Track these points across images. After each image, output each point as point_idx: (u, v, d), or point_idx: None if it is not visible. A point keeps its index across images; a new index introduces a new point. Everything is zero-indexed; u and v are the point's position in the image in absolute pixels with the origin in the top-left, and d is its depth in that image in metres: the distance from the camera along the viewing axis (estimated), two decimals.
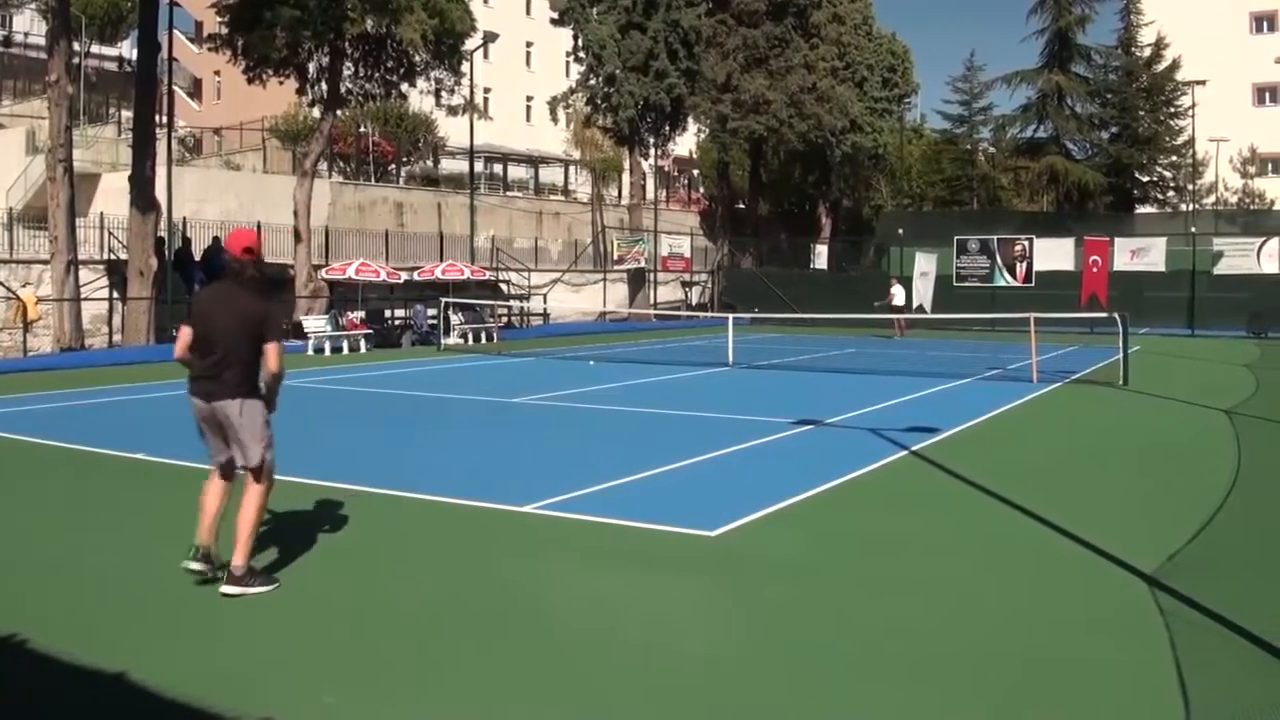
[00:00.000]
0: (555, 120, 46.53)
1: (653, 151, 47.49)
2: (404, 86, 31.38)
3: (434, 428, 13.32)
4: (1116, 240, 37.00)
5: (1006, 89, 55.21)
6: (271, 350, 6.24)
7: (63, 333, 24.50)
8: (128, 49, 55.02)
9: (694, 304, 46.76)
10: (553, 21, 45.20)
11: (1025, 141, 54.97)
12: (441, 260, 34.47)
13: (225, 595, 6.05)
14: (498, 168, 53.56)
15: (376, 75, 30.59)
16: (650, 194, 49.34)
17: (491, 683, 4.89)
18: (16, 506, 8.63)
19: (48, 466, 10.45)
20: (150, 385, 17.93)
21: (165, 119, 31.77)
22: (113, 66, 57.17)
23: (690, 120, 48.13)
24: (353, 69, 30.18)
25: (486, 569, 6.80)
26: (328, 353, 25.26)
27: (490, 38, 37.70)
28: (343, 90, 29.88)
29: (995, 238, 38.50)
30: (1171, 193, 54.71)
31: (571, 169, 55.88)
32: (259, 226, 31.83)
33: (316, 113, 32.03)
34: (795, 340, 30.30)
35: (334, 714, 4.54)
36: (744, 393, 17.65)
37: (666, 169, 60.91)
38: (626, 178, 51.08)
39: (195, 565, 6.26)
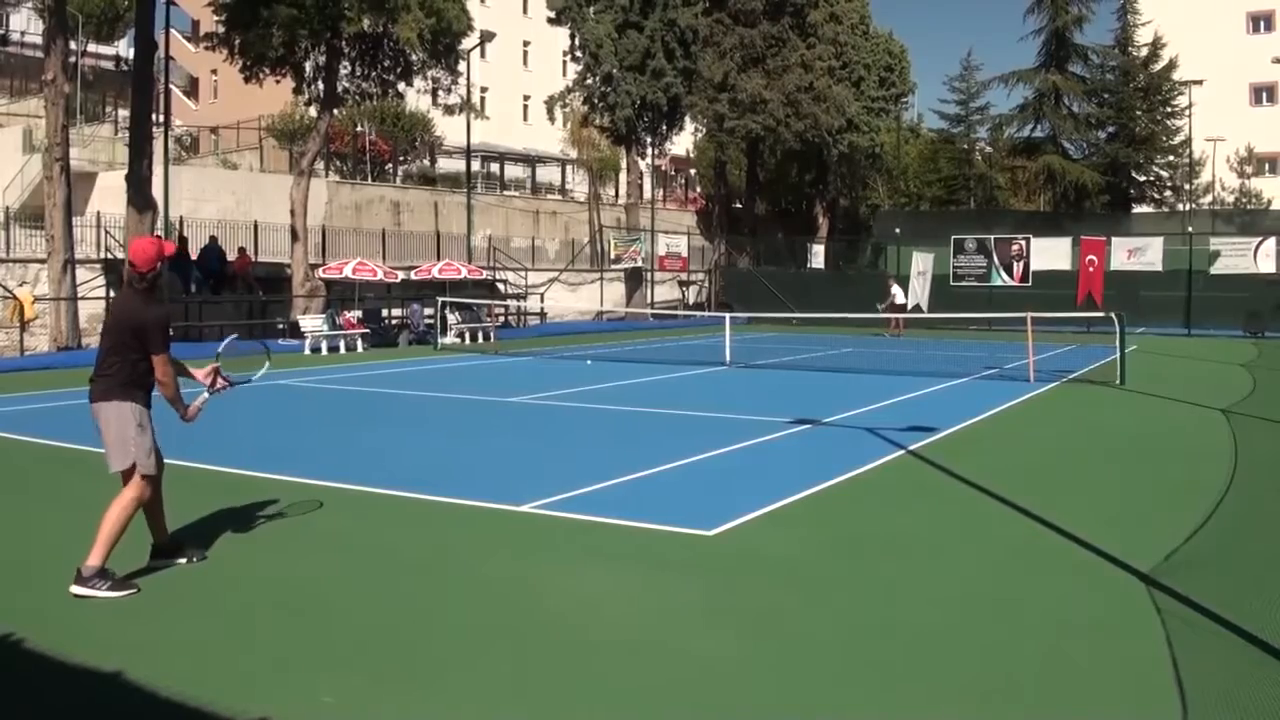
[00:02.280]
0: (552, 119, 46.52)
1: (650, 151, 47.47)
2: (401, 85, 31.36)
3: (431, 427, 13.31)
4: (1114, 240, 37.05)
5: (1003, 88, 55.41)
6: (155, 362, 6.28)
7: (59, 332, 24.47)
8: (124, 48, 55.00)
9: (691, 303, 46.76)
10: (550, 21, 45.17)
11: (1022, 141, 55.05)
12: (438, 259, 34.45)
13: (74, 595, 5.95)
14: (494, 167, 53.52)
15: (373, 74, 30.56)
16: (647, 193, 49.37)
17: (488, 682, 4.89)
18: (12, 505, 8.62)
19: (44, 465, 10.43)
20: None
21: (162, 118, 31.76)
22: (109, 65, 57.15)
23: (687, 119, 48.09)
24: (350, 68, 30.15)
25: (483, 568, 6.80)
26: (324, 352, 25.23)
27: (487, 37, 37.71)
28: (340, 89, 29.85)
29: (992, 237, 38.53)
30: (1168, 192, 54.79)
31: (568, 168, 55.85)
32: (255, 226, 31.99)
33: (313, 112, 32.02)
34: (792, 339, 30.31)
35: (332, 714, 4.53)
36: (741, 392, 17.65)
37: (663, 168, 60.90)
38: (623, 177, 51.09)
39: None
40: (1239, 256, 34.98)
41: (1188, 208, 51.45)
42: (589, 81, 43.14)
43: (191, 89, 61.05)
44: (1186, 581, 6.26)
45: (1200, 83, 49.05)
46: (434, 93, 31.62)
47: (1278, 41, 57.34)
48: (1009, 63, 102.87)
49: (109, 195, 31.37)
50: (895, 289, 33.88)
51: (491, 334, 30.28)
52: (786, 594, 6.26)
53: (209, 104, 58.16)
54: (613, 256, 43.54)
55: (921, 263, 38.38)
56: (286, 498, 8.64)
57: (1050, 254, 37.05)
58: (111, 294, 26.44)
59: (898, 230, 42.84)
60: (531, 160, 55.84)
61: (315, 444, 11.74)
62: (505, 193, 50.33)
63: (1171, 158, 53.68)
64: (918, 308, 36.45)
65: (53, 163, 24.43)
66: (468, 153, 40.41)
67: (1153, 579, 6.37)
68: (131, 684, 4.75)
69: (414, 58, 30.08)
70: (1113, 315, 20.21)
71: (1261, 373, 20.79)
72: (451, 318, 29.81)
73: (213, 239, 29.60)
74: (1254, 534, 7.84)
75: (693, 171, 66.71)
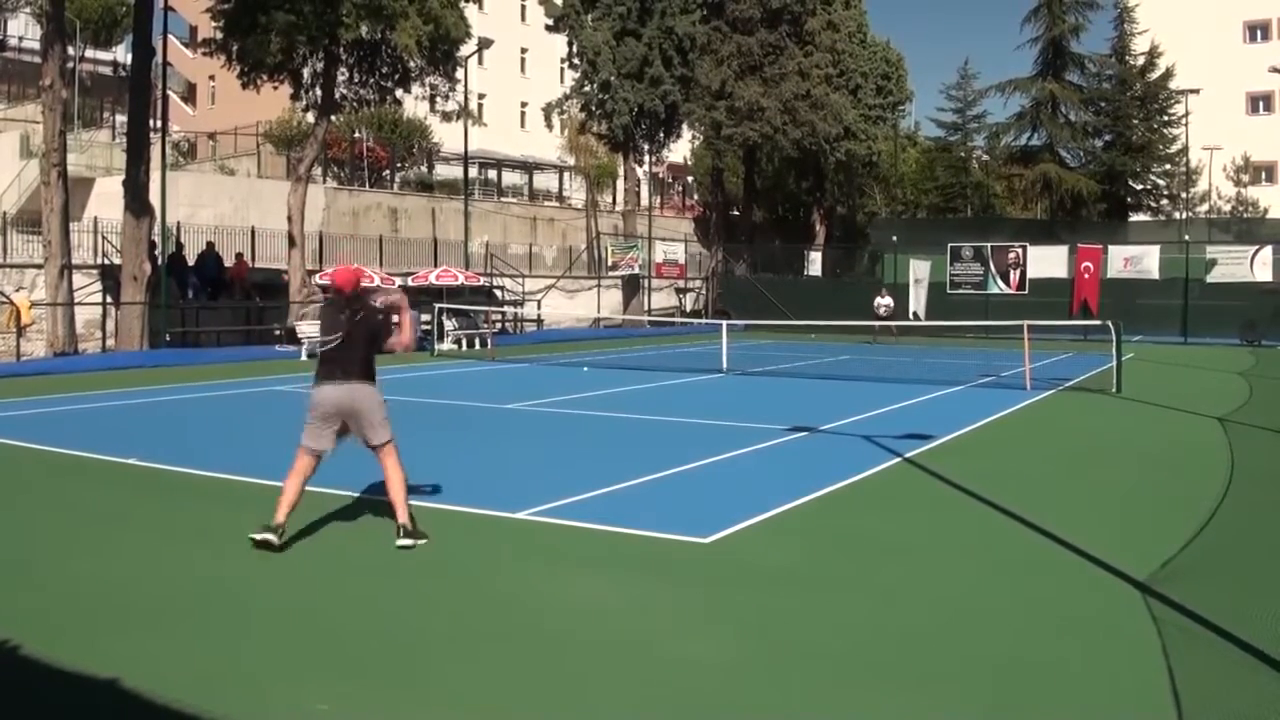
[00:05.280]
0: (550, 126, 46.54)
1: (647, 158, 47.51)
2: (399, 92, 31.38)
3: (425, 433, 13.28)
4: (1110, 248, 37.07)
5: (1000, 97, 55.44)
6: (397, 341, 8.08)
7: (56, 337, 24.45)
8: (122, 53, 55.03)
9: (688, 310, 46.80)
10: (547, 28, 45.22)
11: (1019, 149, 55.10)
12: (435, 266, 34.46)
13: (400, 548, 7.26)
14: (492, 173, 53.58)
15: (371, 81, 30.58)
16: (644, 200, 49.42)
17: (483, 689, 4.88)
18: (9, 510, 8.60)
19: (40, 471, 10.41)
20: (143, 390, 17.90)
21: (159, 123, 31.74)
22: (107, 71, 57.20)
23: (685, 127, 48.14)
24: (347, 74, 30.17)
25: (479, 575, 6.79)
26: None
27: (485, 44, 37.72)
28: (337, 95, 29.86)
29: (989, 245, 38.53)
30: (1165, 201, 54.90)
31: (566, 175, 55.88)
32: (252, 231, 32.00)
33: (311, 118, 32.02)
34: (789, 347, 30.32)
35: None
36: (738, 399, 17.65)
37: (661, 175, 60.95)
38: (621, 184, 51.13)
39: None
40: (1235, 265, 35.03)
41: (1184, 216, 51.53)
42: (586, 89, 43.17)
43: (189, 95, 61.07)
44: (1182, 590, 6.26)
45: (1197, 91, 49.16)
46: (432, 99, 31.65)
47: (1274, 50, 57.52)
48: (1006, 71, 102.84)
49: (106, 200, 31.39)
50: (877, 300, 34.05)
51: (488, 340, 30.28)
52: (781, 600, 6.26)
53: (207, 110, 58.19)
54: (610, 263, 43.56)
55: (918, 270, 38.42)
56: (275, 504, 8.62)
57: (1047, 262, 37.10)
58: (108, 299, 26.52)
59: (895, 238, 42.89)
60: (529, 167, 55.88)
61: None
62: (503, 199, 50.40)
63: (1168, 166, 53.81)
64: (915, 315, 36.51)
65: (50, 168, 24.44)
66: (465, 159, 40.44)
67: (1148, 587, 6.38)
68: (128, 690, 4.74)
69: (412, 64, 30.11)
70: (1109, 323, 20.22)
71: (1258, 381, 20.81)
72: (448, 324, 29.79)
73: (210, 245, 29.59)
74: (1250, 542, 7.84)
75: (690, 179, 66.78)
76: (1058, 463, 11.37)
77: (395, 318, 7.95)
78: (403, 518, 7.41)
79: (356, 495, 9.03)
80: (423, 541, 7.37)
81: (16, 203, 33.57)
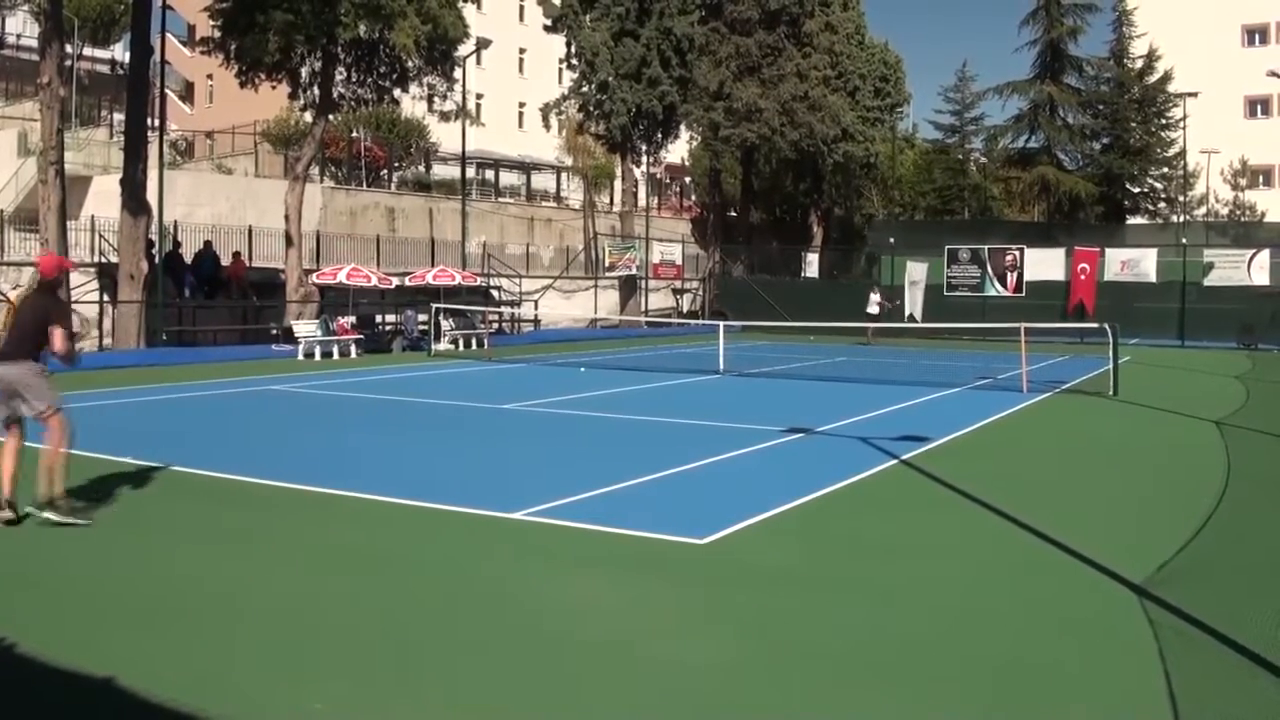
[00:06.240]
0: (548, 127, 46.48)
1: (645, 159, 47.48)
2: (396, 92, 31.35)
3: (422, 433, 13.29)
4: (1108, 251, 37.07)
5: (998, 99, 55.47)
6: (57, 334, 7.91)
7: None
8: (120, 51, 54.93)
9: (685, 311, 46.78)
10: (546, 28, 45.20)
11: (1017, 151, 55.09)
12: (433, 265, 34.43)
13: (51, 520, 7.67)
14: (490, 173, 53.51)
15: (369, 80, 30.55)
16: (642, 201, 49.42)
17: (480, 689, 4.88)
18: None
19: (35, 470, 10.37)
20: (140, 389, 17.88)
21: (157, 122, 31.69)
22: (105, 69, 57.11)
23: (682, 128, 48.10)
24: (345, 74, 30.13)
25: (475, 576, 6.79)
26: (318, 357, 25.18)
27: (483, 44, 37.67)
28: (335, 95, 29.83)
29: (986, 247, 38.52)
30: (1163, 204, 54.92)
31: (563, 175, 55.86)
32: (250, 230, 31.98)
33: (309, 117, 31.99)
34: (786, 348, 30.31)
35: None
36: (735, 400, 17.64)
37: (658, 176, 60.94)
38: (618, 185, 51.10)
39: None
40: (1232, 269, 35.03)
41: (1182, 219, 51.53)
42: (584, 89, 43.13)
43: (187, 93, 61.02)
44: (1178, 592, 6.27)
45: (1195, 95, 49.17)
46: (430, 99, 31.61)
47: (1272, 54, 57.60)
48: (1004, 74, 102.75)
49: (103, 199, 31.33)
50: (871, 296, 34.11)
51: (485, 340, 30.25)
52: (780, 601, 6.26)
53: (204, 108, 58.14)
54: (607, 264, 43.54)
55: (915, 272, 38.42)
56: (275, 503, 8.61)
57: (1044, 264, 37.12)
58: (105, 298, 26.50)
59: (892, 240, 42.86)
60: (527, 167, 55.86)
61: (305, 449, 11.70)
62: (500, 199, 50.36)
63: (1166, 169, 53.81)
64: (911, 317, 36.51)
65: (47, 166, 24.38)
66: (463, 159, 40.41)
67: (1145, 589, 6.38)
68: (123, 689, 4.73)
69: (410, 64, 30.07)
70: (1106, 326, 20.22)
71: (1255, 385, 20.83)
72: (445, 324, 29.78)
73: (207, 244, 29.57)
74: (1247, 545, 7.85)
75: (688, 180, 66.76)
76: (1054, 465, 11.38)
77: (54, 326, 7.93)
78: (58, 489, 7.79)
79: (343, 494, 9.02)
80: (85, 523, 7.69)
81: (14, 201, 33.50)
